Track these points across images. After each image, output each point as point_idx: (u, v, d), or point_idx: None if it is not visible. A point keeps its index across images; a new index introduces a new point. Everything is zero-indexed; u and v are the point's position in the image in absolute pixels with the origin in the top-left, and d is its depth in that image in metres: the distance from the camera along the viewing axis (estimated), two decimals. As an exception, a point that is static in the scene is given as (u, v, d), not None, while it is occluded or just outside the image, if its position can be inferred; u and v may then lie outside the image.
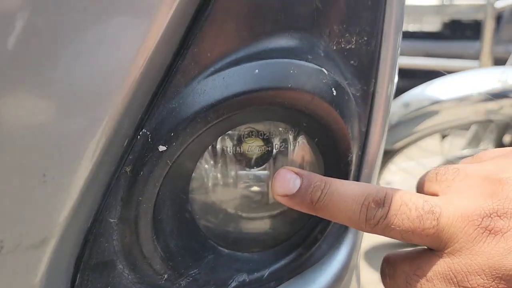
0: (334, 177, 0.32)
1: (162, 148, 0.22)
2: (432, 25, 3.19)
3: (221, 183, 0.33)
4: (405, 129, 1.18)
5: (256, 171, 0.35)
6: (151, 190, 0.22)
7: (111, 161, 0.21)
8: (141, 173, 0.22)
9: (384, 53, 0.31)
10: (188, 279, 0.25)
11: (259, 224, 0.32)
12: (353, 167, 0.32)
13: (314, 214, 0.27)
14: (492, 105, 1.11)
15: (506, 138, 1.15)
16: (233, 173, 0.34)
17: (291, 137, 0.32)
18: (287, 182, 0.27)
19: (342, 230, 0.33)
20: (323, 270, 0.31)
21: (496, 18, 2.84)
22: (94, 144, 0.19)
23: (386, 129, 0.35)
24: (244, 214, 0.33)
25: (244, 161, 0.33)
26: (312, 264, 0.31)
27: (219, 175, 0.33)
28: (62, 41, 0.17)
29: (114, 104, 0.19)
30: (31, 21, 0.17)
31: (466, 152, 1.32)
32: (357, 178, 0.34)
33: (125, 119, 0.20)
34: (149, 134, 0.21)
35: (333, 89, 0.27)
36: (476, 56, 2.93)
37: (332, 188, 0.26)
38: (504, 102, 1.09)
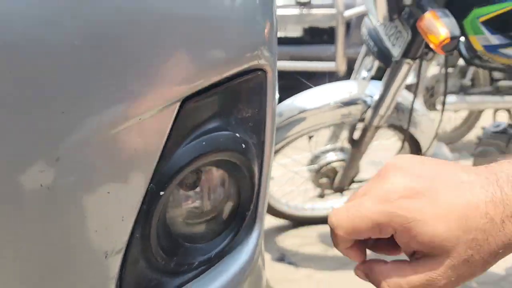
0: (246, 193, 0.53)
1: (162, 193, 0.41)
2: (295, 32, 3.59)
3: (172, 203, 0.52)
4: (281, 134, 1.45)
5: (193, 192, 0.55)
6: (156, 218, 0.41)
7: (138, 205, 0.39)
8: (152, 208, 0.40)
9: (268, 117, 0.53)
10: (176, 262, 0.45)
11: (203, 226, 0.52)
12: (256, 182, 0.53)
13: None
14: (344, 110, 1.42)
15: (356, 134, 1.49)
16: (178, 195, 0.53)
17: (215, 171, 0.53)
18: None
19: (251, 224, 0.55)
20: (245, 248, 0.53)
21: (345, 25, 3.29)
22: (136, 197, 0.37)
23: (272, 158, 0.57)
24: (191, 221, 0.52)
25: (185, 186, 0.52)
26: (237, 245, 0.53)
27: (171, 198, 0.52)
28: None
29: (147, 174, 0.37)
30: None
31: (328, 147, 1.65)
32: (258, 188, 0.56)
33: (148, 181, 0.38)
34: (154, 186, 0.40)
35: (243, 144, 0.48)
36: (332, 58, 3.38)
37: None
38: (352, 108, 1.42)
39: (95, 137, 0.33)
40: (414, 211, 0.34)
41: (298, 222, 1.80)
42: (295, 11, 3.39)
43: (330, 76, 3.02)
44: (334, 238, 0.40)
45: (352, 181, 1.63)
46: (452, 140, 3.00)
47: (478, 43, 1.07)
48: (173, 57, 0.37)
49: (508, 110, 2.68)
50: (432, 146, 1.54)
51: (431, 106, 2.66)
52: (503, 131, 1.28)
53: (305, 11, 3.37)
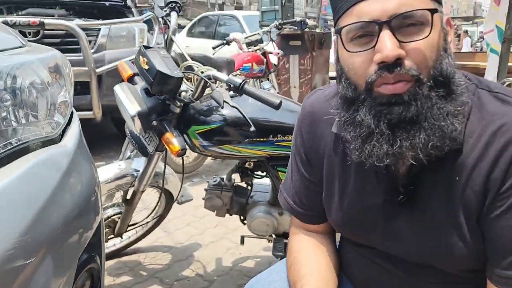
0: (96, 276, 1.12)
1: (74, 291, 0.98)
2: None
3: None
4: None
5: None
6: None
7: None
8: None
9: (102, 238, 1.13)
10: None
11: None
12: (100, 269, 1.13)
13: None
14: (119, 182, 2.04)
15: (128, 195, 2.12)
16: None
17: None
18: None
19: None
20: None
21: (98, 78, 3.83)
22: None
23: (104, 255, 1.16)
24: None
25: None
26: None
27: None
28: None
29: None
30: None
31: (107, 205, 2.23)
32: (101, 271, 1.15)
33: None
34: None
35: (95, 257, 1.08)
36: (90, 107, 3.88)
37: None
38: (124, 180, 2.05)
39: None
40: None
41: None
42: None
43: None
44: None
45: (128, 226, 2.26)
46: (194, 168, 3.94)
47: (197, 143, 1.85)
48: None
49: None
50: (180, 194, 2.31)
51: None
52: (218, 184, 2.12)
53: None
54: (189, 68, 1.79)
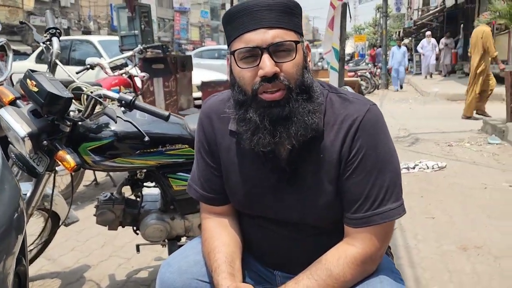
0: (22, 277, 1.19)
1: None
2: None
3: None
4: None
5: None
6: None
7: None
8: None
9: (26, 261, 1.21)
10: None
11: None
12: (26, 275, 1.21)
13: None
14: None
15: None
16: None
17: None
18: None
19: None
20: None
21: None
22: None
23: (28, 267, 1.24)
24: None
25: None
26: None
27: None
28: None
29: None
30: None
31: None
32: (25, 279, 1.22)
33: None
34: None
35: (23, 264, 1.16)
36: None
37: None
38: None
39: None
40: None
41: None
42: None
43: None
44: None
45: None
46: (68, 195, 3.84)
47: (89, 159, 1.95)
48: None
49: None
50: (67, 215, 2.33)
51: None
52: (109, 199, 2.21)
53: None
54: (78, 89, 1.90)
